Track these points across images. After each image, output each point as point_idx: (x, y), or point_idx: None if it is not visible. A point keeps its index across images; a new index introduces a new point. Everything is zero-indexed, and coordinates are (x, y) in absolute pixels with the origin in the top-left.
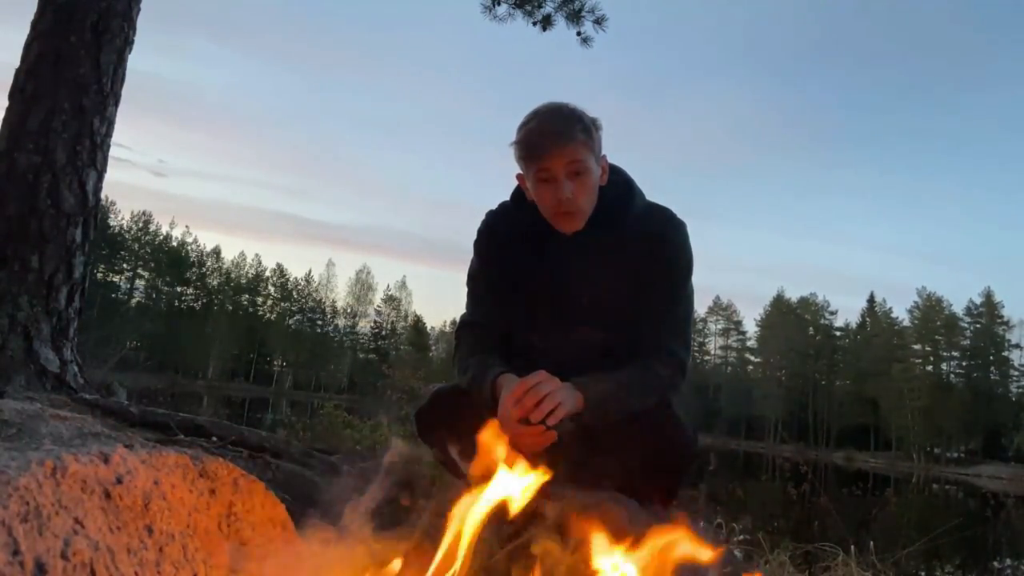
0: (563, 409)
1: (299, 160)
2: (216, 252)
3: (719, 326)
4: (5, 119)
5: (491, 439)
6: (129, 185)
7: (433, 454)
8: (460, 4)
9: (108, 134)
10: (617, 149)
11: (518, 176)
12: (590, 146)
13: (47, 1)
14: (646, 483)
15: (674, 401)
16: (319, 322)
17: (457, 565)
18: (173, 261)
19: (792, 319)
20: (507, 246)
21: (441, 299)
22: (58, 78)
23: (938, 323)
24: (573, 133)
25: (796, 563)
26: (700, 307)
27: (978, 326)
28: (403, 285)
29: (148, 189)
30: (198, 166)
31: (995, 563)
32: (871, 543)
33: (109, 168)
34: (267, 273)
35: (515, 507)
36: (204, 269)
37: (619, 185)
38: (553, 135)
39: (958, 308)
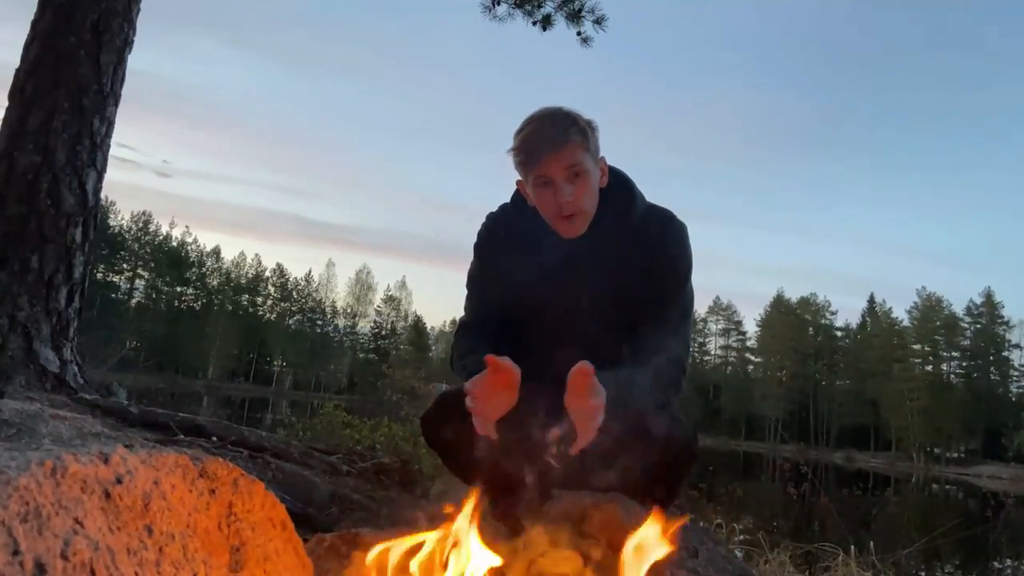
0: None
1: (299, 160)
2: (216, 252)
3: (719, 326)
4: (5, 119)
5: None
6: (133, 186)
7: (439, 457)
8: (460, 4)
9: (108, 134)
10: (617, 149)
11: (518, 183)
12: (587, 147)
13: (47, 1)
14: (646, 484)
15: (674, 401)
16: (319, 322)
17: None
18: (173, 261)
19: (792, 319)
20: (507, 248)
21: (441, 299)
22: (58, 78)
23: (938, 323)
24: (568, 136)
25: (796, 563)
26: (700, 307)
27: (978, 326)
28: (403, 285)
29: (152, 190)
30: (201, 166)
31: (995, 563)
32: (871, 543)
33: (113, 168)
34: (267, 273)
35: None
36: (204, 269)
37: (619, 187)
38: (548, 139)
39: (958, 308)
